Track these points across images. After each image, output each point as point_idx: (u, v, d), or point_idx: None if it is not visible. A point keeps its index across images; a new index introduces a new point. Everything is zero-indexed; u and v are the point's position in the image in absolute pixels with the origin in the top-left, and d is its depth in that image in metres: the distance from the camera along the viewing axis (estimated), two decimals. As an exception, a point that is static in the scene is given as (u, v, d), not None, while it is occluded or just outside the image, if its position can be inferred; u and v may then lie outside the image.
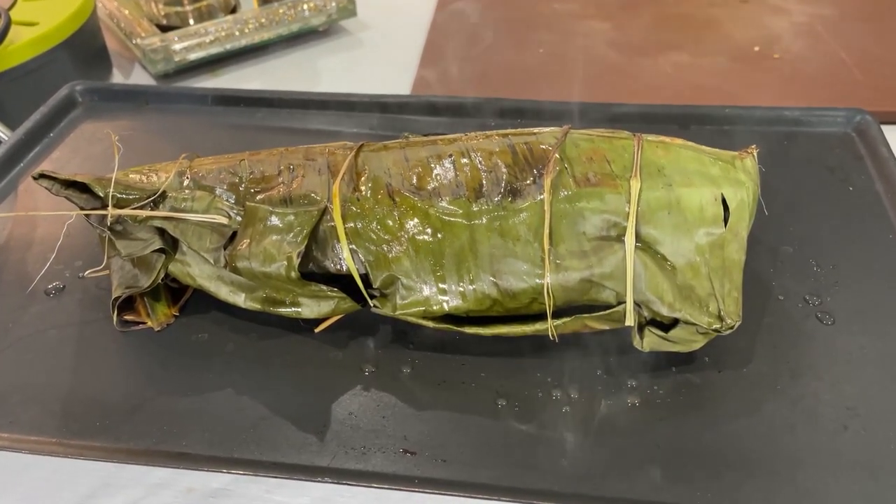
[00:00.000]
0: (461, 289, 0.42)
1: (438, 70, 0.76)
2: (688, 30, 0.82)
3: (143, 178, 0.46)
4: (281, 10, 0.79)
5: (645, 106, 0.62)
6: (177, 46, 0.75)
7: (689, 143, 0.44)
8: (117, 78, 0.78)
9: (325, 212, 0.43)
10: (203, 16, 0.81)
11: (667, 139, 0.44)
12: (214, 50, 0.77)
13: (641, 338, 0.41)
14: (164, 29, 0.78)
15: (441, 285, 0.42)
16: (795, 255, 0.50)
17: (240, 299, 0.44)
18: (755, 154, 0.44)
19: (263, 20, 0.79)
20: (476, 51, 0.79)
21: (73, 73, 0.70)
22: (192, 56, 0.75)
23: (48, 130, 0.63)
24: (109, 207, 0.43)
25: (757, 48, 0.78)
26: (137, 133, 0.64)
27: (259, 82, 0.76)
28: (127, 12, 0.80)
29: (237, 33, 0.78)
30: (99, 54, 0.77)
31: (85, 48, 0.73)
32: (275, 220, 0.43)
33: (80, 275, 0.50)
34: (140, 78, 0.77)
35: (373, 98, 0.64)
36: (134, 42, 0.76)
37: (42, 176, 0.44)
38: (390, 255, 0.42)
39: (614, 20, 0.84)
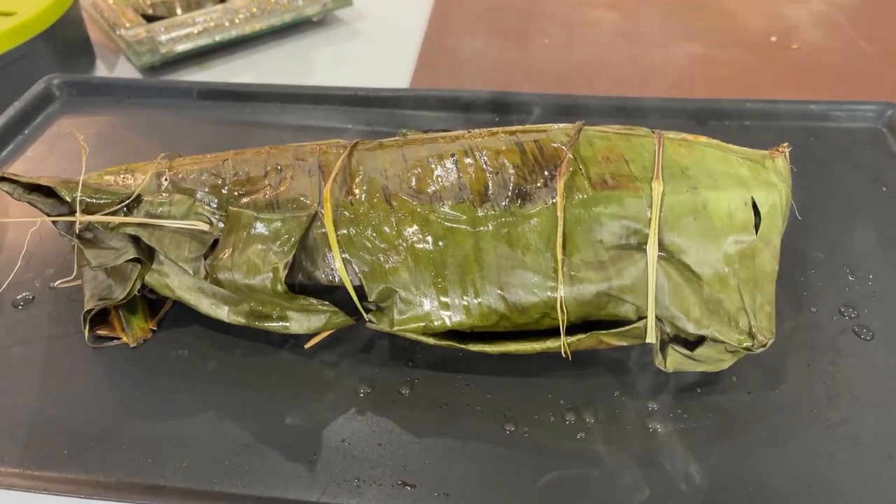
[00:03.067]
0: (465, 302, 0.38)
1: (438, 63, 0.72)
2: (700, 19, 0.79)
3: (118, 179, 0.42)
4: (273, 0, 0.75)
5: (659, 100, 0.58)
6: (163, 37, 0.71)
7: (715, 141, 0.40)
8: (101, 71, 0.74)
9: (315, 217, 0.39)
10: (191, 5, 0.77)
11: (689, 137, 0.41)
12: (203, 41, 0.73)
13: (664, 356, 0.38)
14: (150, 19, 0.74)
15: (443, 298, 0.38)
16: (827, 263, 0.46)
17: (223, 313, 0.41)
18: (787, 153, 0.40)
19: (255, 10, 0.75)
20: (478, 42, 0.75)
21: (54, 66, 0.66)
22: (180, 48, 0.71)
23: (23, 127, 0.59)
24: (77, 213, 0.40)
25: (774, 39, 0.75)
26: (118, 129, 0.60)
27: (250, 75, 0.72)
28: (111, 2, 0.76)
29: (227, 24, 0.74)
30: (81, 46, 0.73)
31: (66, 40, 0.69)
32: (260, 227, 0.39)
33: (51, 285, 0.46)
34: (125, 71, 0.73)
35: (368, 92, 0.60)
36: (118, 33, 0.72)
37: (2, 179, 0.40)
38: (387, 266, 0.38)
39: (623, 9, 0.81)
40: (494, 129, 0.42)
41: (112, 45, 0.76)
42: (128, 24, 0.72)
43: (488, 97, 0.59)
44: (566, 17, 0.80)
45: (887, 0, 0.81)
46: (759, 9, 0.80)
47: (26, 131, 0.59)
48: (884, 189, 0.51)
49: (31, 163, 0.56)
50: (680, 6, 0.81)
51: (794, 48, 0.73)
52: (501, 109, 0.59)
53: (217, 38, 0.73)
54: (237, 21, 0.74)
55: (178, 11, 0.76)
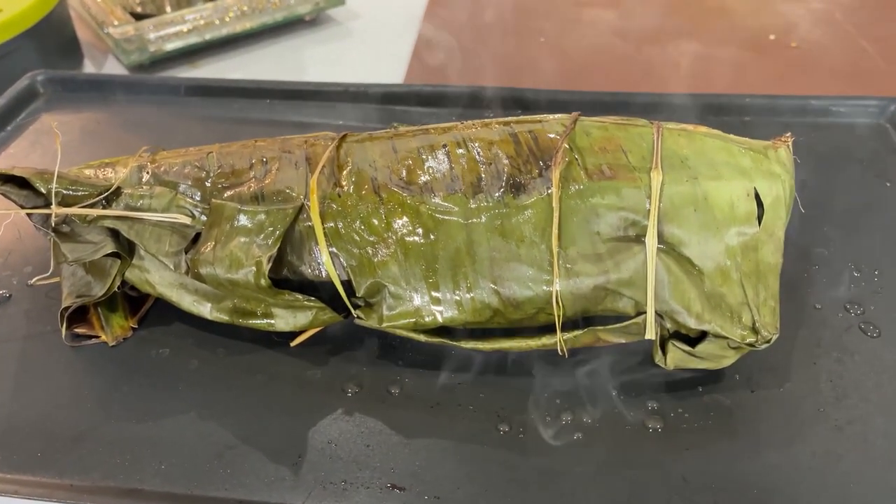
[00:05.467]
0: (457, 297, 0.37)
1: (432, 62, 0.71)
2: (698, 17, 0.77)
3: (98, 173, 0.41)
4: (264, -2, 0.74)
5: (657, 95, 0.57)
6: (152, 36, 0.69)
7: (715, 132, 0.39)
8: (89, 71, 0.72)
9: (301, 210, 0.38)
10: (181, 3, 0.76)
11: (689, 127, 0.39)
12: (193, 40, 0.71)
13: (664, 353, 0.36)
14: (138, 17, 0.72)
15: (434, 293, 0.37)
16: (831, 259, 0.44)
17: (205, 310, 0.39)
18: (790, 143, 0.39)
19: (246, 8, 0.73)
20: (473, 42, 0.74)
21: (39, 65, 0.65)
22: (169, 46, 0.70)
23: (5, 123, 0.58)
24: (53, 205, 0.38)
25: (773, 37, 0.73)
26: (103, 126, 0.58)
27: (241, 74, 0.71)
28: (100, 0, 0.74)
29: (217, 22, 0.72)
30: (68, 45, 0.72)
31: (52, 38, 0.68)
32: (243, 220, 0.37)
33: (29, 282, 0.44)
34: (114, 71, 0.72)
35: (360, 88, 0.59)
36: (106, 31, 0.70)
37: (-27, 169, 0.39)
38: (376, 259, 0.37)
39: (620, 7, 0.79)
40: (488, 120, 0.41)
41: (100, 45, 0.75)
42: (116, 23, 0.70)
43: (483, 92, 0.58)
44: (563, 15, 0.79)
45: (887, -2, 0.80)
46: (756, 7, 0.79)
47: (9, 128, 0.58)
48: (888, 184, 0.50)
49: (12, 159, 0.55)
50: (677, 4, 0.80)
51: (793, 46, 0.72)
52: (497, 105, 0.57)
53: (207, 37, 0.72)
54: (228, 19, 0.73)
55: (168, 9, 0.75)
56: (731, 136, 0.39)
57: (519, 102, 0.57)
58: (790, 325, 0.40)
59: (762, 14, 0.77)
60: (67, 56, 0.71)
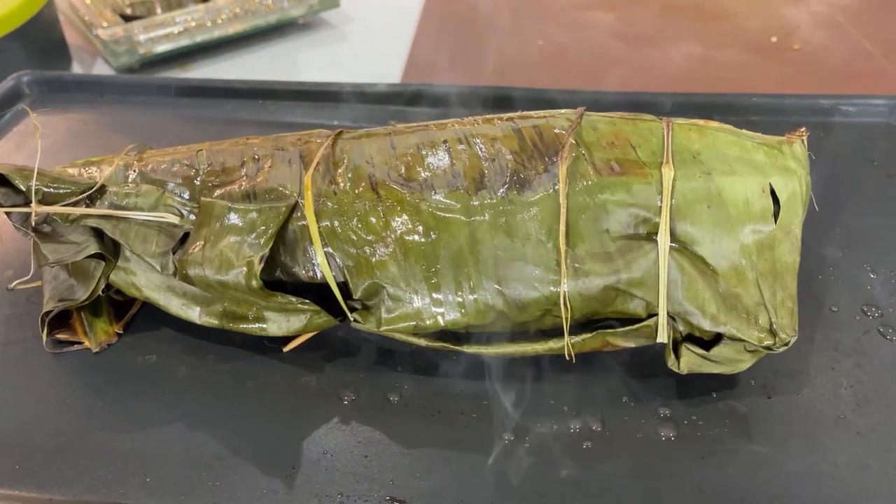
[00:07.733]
0: (459, 299, 0.35)
1: (428, 66, 0.69)
2: (698, 20, 0.76)
3: (82, 171, 0.39)
4: (257, 0, 0.72)
5: (662, 94, 0.56)
6: (142, 37, 0.68)
7: (727, 127, 0.38)
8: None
9: (295, 208, 0.36)
10: (172, 5, 0.74)
11: (700, 122, 0.38)
12: (184, 42, 0.70)
13: (678, 357, 0.35)
14: (128, 19, 0.71)
15: (435, 295, 0.35)
16: (846, 260, 0.43)
17: (194, 314, 0.38)
18: (805, 139, 0.37)
19: (238, 10, 0.72)
20: (470, 47, 0.73)
21: (26, 67, 0.63)
22: (159, 48, 0.69)
23: (-12, 125, 0.56)
24: (33, 204, 0.36)
25: (774, 39, 0.73)
26: (90, 127, 0.57)
27: (233, 77, 0.69)
28: (89, 1, 0.73)
29: (209, 24, 0.71)
30: (56, 47, 0.70)
31: (39, 40, 0.67)
32: (234, 218, 0.36)
33: (9, 286, 0.42)
34: (103, 73, 0.70)
35: (355, 87, 0.57)
36: (94, 33, 0.69)
37: (-50, 166, 0.37)
38: (374, 259, 0.35)
39: (619, 10, 0.78)
40: (490, 116, 0.39)
41: (90, 48, 0.74)
42: (105, 24, 0.69)
43: (483, 92, 0.56)
44: (561, 18, 0.77)
45: None
46: (757, 10, 0.78)
47: (-8, 129, 0.56)
48: (900, 184, 0.49)
49: (-5, 162, 0.53)
50: (676, 7, 0.79)
51: (795, 48, 0.71)
52: (497, 105, 0.56)
53: (198, 39, 0.70)
54: (220, 22, 0.71)
55: (158, 11, 0.73)
56: (744, 131, 0.38)
57: (517, 102, 0.56)
58: (806, 329, 0.39)
59: (762, 17, 0.77)
60: (55, 58, 0.70)
